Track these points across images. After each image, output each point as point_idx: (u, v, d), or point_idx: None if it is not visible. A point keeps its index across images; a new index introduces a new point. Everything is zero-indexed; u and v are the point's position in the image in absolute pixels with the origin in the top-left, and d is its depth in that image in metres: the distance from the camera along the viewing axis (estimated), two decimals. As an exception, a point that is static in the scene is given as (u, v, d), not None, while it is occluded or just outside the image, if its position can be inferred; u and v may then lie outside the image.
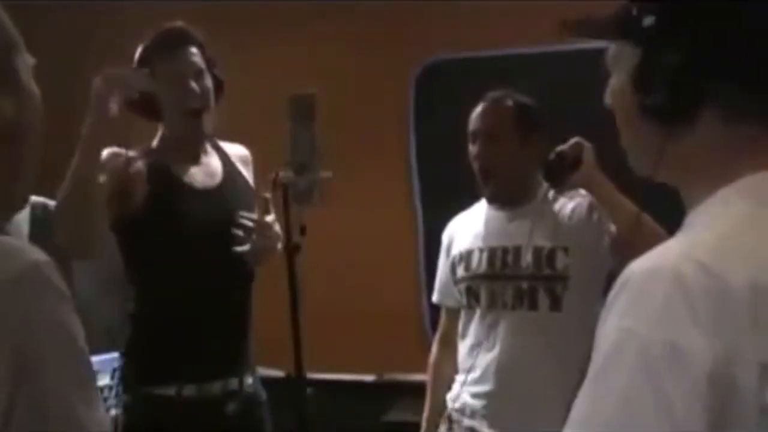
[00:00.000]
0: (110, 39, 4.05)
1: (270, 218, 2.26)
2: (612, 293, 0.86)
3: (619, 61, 1.01)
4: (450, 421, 2.45)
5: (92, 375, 0.94)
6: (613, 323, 0.84)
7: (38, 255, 0.90)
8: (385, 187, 3.87)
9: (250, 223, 2.25)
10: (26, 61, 0.99)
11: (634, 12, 0.96)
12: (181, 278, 2.24)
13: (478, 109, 2.42)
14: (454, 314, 2.54)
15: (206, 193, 2.30)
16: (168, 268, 2.25)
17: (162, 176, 2.26)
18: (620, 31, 0.99)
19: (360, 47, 3.87)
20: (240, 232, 2.25)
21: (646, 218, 2.11)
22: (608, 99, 1.04)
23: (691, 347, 0.78)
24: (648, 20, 0.95)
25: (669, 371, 0.78)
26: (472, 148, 2.40)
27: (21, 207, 1.01)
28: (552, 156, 2.24)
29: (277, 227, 2.24)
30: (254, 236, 2.24)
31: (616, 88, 1.02)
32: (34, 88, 0.99)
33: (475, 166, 2.40)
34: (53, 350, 0.88)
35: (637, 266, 0.86)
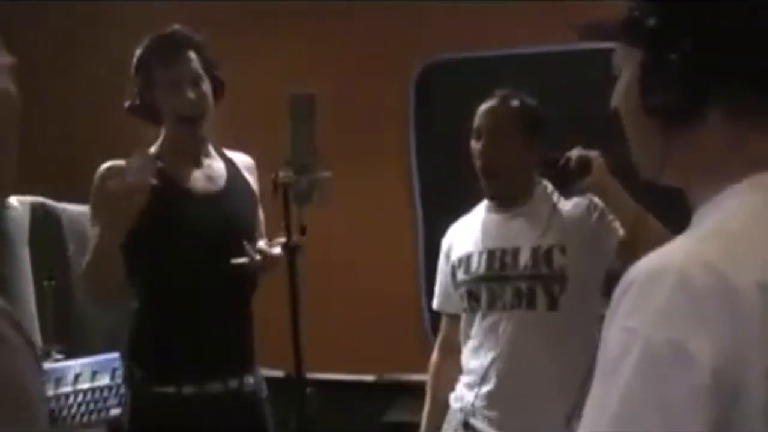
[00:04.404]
0: (109, 39, 4.05)
1: (275, 250, 2.24)
2: (617, 294, 0.86)
3: (626, 63, 1.01)
4: (454, 422, 2.46)
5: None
6: (619, 324, 0.84)
7: None
8: (385, 187, 3.87)
9: (254, 254, 2.25)
10: (2, 62, 0.98)
11: (638, 14, 0.97)
12: (182, 282, 2.25)
13: (485, 105, 2.42)
14: (454, 321, 2.54)
15: (207, 198, 2.31)
16: (169, 272, 2.26)
17: (162, 182, 2.26)
18: (625, 34, 0.99)
19: (360, 47, 3.86)
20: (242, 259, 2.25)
21: (654, 222, 2.11)
22: (615, 101, 1.04)
23: (695, 347, 0.78)
24: (651, 22, 0.95)
25: (673, 371, 0.78)
26: (475, 144, 2.40)
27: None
28: (561, 162, 2.25)
29: (277, 251, 2.22)
30: (255, 256, 2.24)
31: (622, 90, 1.02)
32: (11, 87, 0.98)
33: (477, 162, 2.40)
34: None
35: (642, 266, 0.86)
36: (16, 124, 0.98)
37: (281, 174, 2.03)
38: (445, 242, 2.56)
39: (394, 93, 3.84)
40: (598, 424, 0.82)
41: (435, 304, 2.62)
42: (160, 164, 2.24)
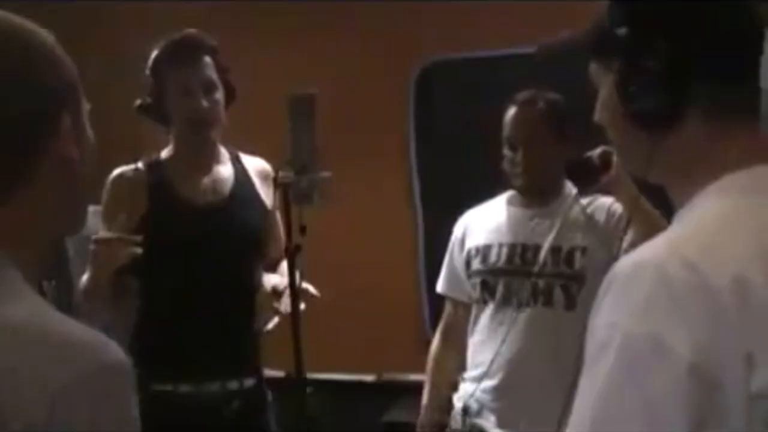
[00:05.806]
0: (109, 40, 4.06)
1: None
2: (601, 290, 0.89)
3: (602, 74, 1.02)
4: (456, 420, 2.45)
5: None
6: (601, 318, 0.87)
7: (118, 355, 0.92)
8: (385, 187, 3.87)
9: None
10: (85, 107, 1.05)
11: (607, 24, 0.98)
12: (182, 289, 2.26)
13: (511, 113, 2.41)
14: (458, 307, 2.53)
15: (208, 208, 2.31)
16: (169, 281, 2.27)
17: (163, 193, 2.27)
18: (598, 46, 1.01)
19: (360, 47, 3.86)
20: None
21: (648, 206, 2.11)
22: (597, 115, 1.05)
23: (673, 340, 0.80)
24: (621, 30, 0.96)
25: (652, 364, 0.80)
26: (510, 153, 2.39)
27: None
28: (580, 159, 2.25)
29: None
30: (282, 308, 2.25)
31: (603, 100, 1.04)
32: (91, 133, 1.06)
33: (516, 170, 2.39)
34: None
35: (624, 263, 0.88)
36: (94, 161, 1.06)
37: (281, 174, 2.03)
38: (459, 228, 2.55)
39: (394, 93, 3.84)
40: (579, 416, 0.84)
41: (439, 287, 2.60)
42: (164, 172, 2.27)
